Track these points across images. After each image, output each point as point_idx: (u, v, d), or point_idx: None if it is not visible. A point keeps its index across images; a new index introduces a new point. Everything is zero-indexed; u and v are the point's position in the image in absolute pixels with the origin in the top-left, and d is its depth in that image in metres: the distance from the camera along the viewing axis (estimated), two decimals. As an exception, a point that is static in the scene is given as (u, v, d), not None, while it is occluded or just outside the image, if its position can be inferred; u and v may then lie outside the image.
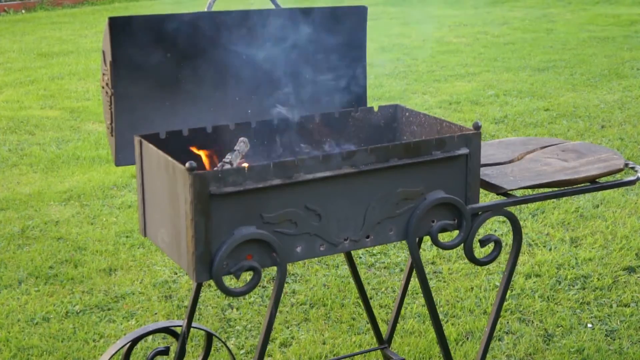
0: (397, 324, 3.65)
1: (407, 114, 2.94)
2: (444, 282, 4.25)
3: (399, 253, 4.55)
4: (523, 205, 5.03)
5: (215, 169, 2.61)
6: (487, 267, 4.34)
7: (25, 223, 5.07)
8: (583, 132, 6.79)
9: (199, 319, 3.90)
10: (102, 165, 6.22)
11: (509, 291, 4.05)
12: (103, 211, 5.27)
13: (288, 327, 3.84)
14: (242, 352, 3.65)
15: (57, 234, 4.91)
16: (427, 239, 4.48)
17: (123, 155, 2.66)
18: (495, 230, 4.85)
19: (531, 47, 10.59)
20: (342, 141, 2.92)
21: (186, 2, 15.40)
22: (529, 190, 4.01)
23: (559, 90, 8.31)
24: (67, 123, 7.49)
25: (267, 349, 3.50)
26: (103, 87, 2.64)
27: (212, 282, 3.36)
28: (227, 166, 2.58)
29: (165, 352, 3.07)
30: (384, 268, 4.41)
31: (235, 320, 3.90)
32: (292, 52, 2.82)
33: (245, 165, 2.36)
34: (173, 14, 2.65)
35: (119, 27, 2.53)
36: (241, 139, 2.70)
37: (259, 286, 4.19)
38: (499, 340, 3.70)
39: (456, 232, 2.67)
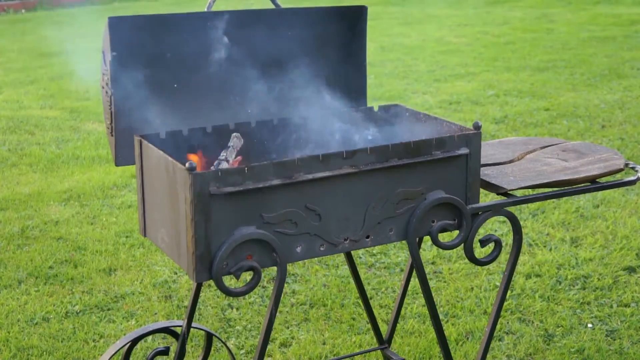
0: (397, 324, 3.65)
1: (407, 113, 2.93)
2: (444, 282, 4.25)
3: (399, 253, 4.55)
4: (523, 205, 5.03)
5: (211, 167, 2.61)
6: (487, 267, 4.34)
7: (25, 223, 5.06)
8: (583, 132, 6.79)
9: (199, 319, 3.90)
10: (102, 165, 6.22)
11: (509, 291, 4.05)
12: (103, 211, 5.27)
13: (288, 327, 3.84)
14: (242, 352, 3.65)
15: (56, 233, 4.91)
16: (427, 239, 4.48)
17: (123, 155, 2.65)
18: (496, 230, 4.85)
19: (531, 47, 10.59)
20: (341, 141, 2.91)
21: (186, 2, 15.41)
22: (529, 190, 4.01)
23: (559, 90, 8.31)
24: (67, 123, 7.49)
25: (267, 349, 3.50)
26: (103, 87, 2.64)
27: (212, 282, 3.36)
28: (224, 163, 2.58)
29: (165, 352, 3.07)
30: (384, 268, 4.40)
31: (235, 320, 3.90)
32: (292, 51, 2.82)
33: (241, 159, 2.36)
34: (173, 14, 2.65)
35: (119, 27, 2.53)
36: (234, 134, 2.70)
37: (259, 286, 4.19)
38: (499, 340, 3.70)
39: (456, 232, 2.67)
